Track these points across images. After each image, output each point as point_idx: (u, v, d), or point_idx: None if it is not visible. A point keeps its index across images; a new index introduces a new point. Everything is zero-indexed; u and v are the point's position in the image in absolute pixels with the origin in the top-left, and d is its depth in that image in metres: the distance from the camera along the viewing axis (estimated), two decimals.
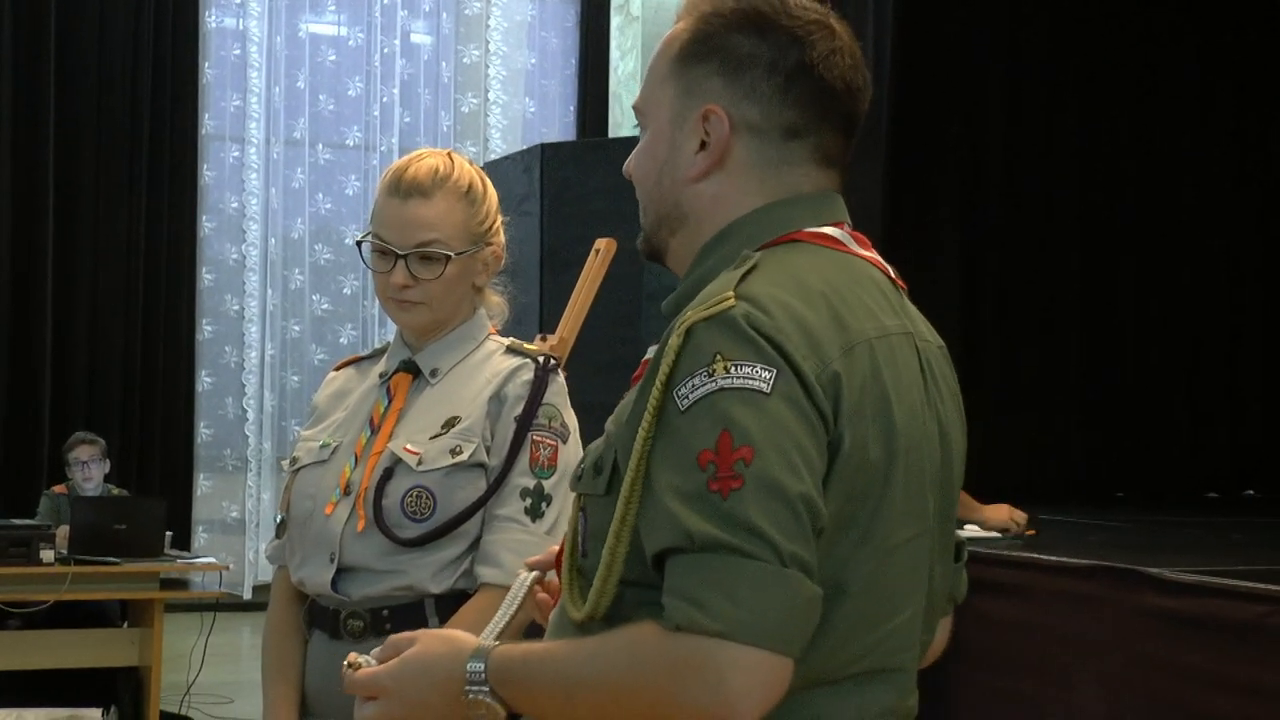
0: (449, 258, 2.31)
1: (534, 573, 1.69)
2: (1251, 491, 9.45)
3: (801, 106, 1.55)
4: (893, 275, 1.60)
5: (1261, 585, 3.86)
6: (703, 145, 1.56)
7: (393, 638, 1.57)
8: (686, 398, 1.40)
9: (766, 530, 1.34)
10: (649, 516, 1.39)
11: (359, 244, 2.39)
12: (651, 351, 1.57)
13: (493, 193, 2.40)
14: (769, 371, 1.39)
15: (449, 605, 2.24)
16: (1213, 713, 3.87)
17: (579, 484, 1.54)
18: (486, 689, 1.44)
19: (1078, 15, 9.35)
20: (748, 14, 1.56)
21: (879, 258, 1.60)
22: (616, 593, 1.43)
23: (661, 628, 1.35)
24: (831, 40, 1.56)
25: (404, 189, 2.31)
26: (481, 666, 1.45)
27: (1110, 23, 9.43)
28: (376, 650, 1.56)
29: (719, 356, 1.40)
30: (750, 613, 1.32)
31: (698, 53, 1.57)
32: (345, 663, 1.57)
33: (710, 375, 1.39)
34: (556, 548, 1.66)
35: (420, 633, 1.55)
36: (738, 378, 1.39)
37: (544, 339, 3.32)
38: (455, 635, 1.54)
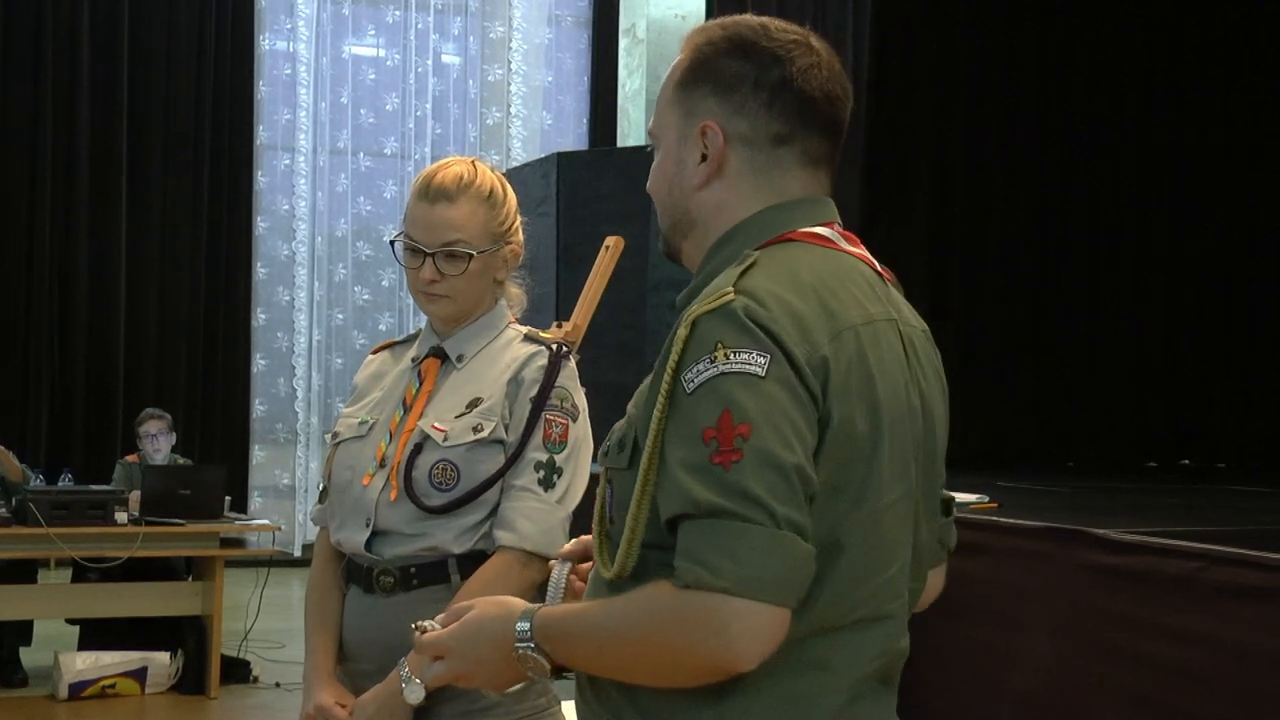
0: (471, 255, 2.29)
1: (568, 563, 1.68)
2: (1186, 461, 9.44)
3: (785, 116, 1.55)
4: (879, 269, 1.60)
5: (1192, 544, 3.86)
6: (704, 158, 1.57)
7: (454, 606, 1.58)
8: (692, 381, 1.40)
9: (763, 497, 1.35)
10: (663, 487, 1.41)
11: (392, 243, 2.38)
12: None
13: (512, 196, 2.38)
14: (764, 357, 1.40)
15: (469, 564, 2.23)
16: (1148, 656, 3.88)
17: (605, 459, 1.53)
18: (532, 645, 1.47)
19: (1037, 34, 9.34)
20: (734, 40, 1.58)
21: (866, 253, 1.60)
22: (641, 554, 1.44)
23: (673, 586, 1.36)
24: (809, 56, 1.56)
25: (432, 194, 2.29)
26: (528, 626, 1.47)
27: (1073, 39, 9.40)
28: (441, 616, 1.57)
29: (720, 345, 1.40)
30: (749, 570, 1.33)
31: (695, 78, 1.58)
32: (413, 626, 1.58)
33: (712, 361, 1.40)
34: (588, 538, 1.66)
35: (478, 600, 1.57)
36: (736, 363, 1.39)
37: (559, 325, 3.30)
38: (508, 600, 1.55)
